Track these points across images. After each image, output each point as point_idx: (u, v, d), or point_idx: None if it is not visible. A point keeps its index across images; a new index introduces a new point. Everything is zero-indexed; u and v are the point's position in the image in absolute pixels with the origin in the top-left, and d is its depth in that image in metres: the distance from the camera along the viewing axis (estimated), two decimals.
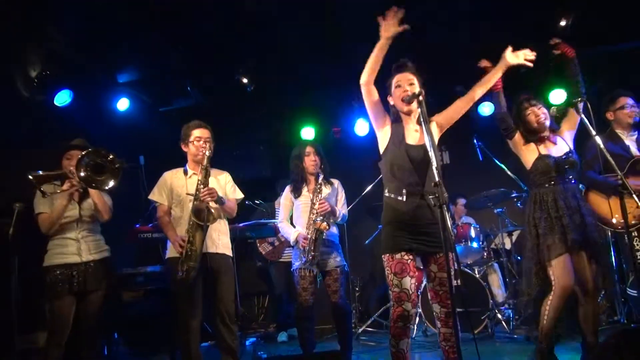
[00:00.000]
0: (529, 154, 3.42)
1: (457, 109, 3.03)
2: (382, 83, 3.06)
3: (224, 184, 3.74)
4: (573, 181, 3.36)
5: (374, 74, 2.87)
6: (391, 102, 3.06)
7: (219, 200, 3.49)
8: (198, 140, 3.57)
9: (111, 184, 3.38)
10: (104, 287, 3.50)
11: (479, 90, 3.02)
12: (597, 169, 3.59)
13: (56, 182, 3.50)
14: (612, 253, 5.07)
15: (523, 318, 5.23)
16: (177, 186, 3.59)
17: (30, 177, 3.29)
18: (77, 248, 3.44)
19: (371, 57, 2.83)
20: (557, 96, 5.92)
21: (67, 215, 3.44)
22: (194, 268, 3.32)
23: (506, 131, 3.45)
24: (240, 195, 3.78)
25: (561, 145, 3.41)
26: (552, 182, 3.31)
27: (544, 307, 3.24)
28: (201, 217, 3.33)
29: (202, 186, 3.40)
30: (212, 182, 3.56)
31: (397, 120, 3.05)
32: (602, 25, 5.26)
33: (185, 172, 3.65)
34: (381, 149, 3.05)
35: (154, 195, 3.65)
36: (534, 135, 3.41)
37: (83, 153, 3.34)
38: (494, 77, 3.05)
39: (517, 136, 3.45)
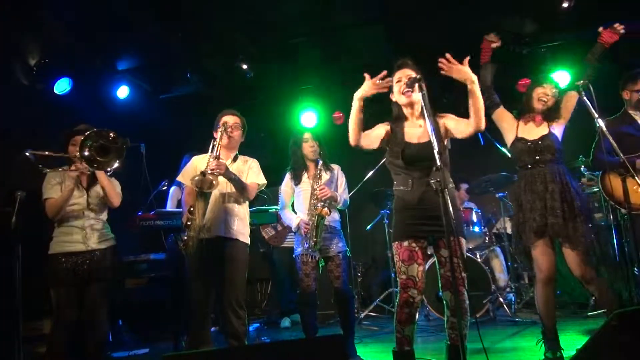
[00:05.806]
0: (508, 133, 3.43)
1: (464, 129, 2.93)
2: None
3: (247, 167, 3.71)
4: (558, 162, 3.28)
5: (358, 132, 2.92)
6: (393, 99, 3.07)
7: (227, 175, 3.41)
8: (224, 126, 3.57)
9: (115, 165, 3.37)
10: (110, 276, 3.52)
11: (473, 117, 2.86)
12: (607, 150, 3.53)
13: (64, 167, 3.52)
14: (614, 234, 5.06)
15: (524, 302, 5.24)
16: (201, 167, 3.56)
17: (27, 153, 3.29)
18: (82, 236, 3.45)
19: (351, 120, 2.89)
20: (561, 78, 5.84)
21: (74, 203, 3.45)
22: (192, 238, 3.30)
23: (488, 105, 3.33)
24: (262, 180, 3.71)
25: (541, 128, 3.36)
26: (540, 164, 3.26)
27: (535, 299, 3.28)
28: (198, 184, 3.30)
29: (212, 160, 3.36)
30: (237, 165, 3.62)
31: (398, 118, 3.06)
32: (604, 6, 5.18)
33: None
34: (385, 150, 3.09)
35: (180, 177, 3.69)
36: (525, 111, 3.39)
37: (86, 134, 3.32)
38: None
39: (500, 111, 3.42)
